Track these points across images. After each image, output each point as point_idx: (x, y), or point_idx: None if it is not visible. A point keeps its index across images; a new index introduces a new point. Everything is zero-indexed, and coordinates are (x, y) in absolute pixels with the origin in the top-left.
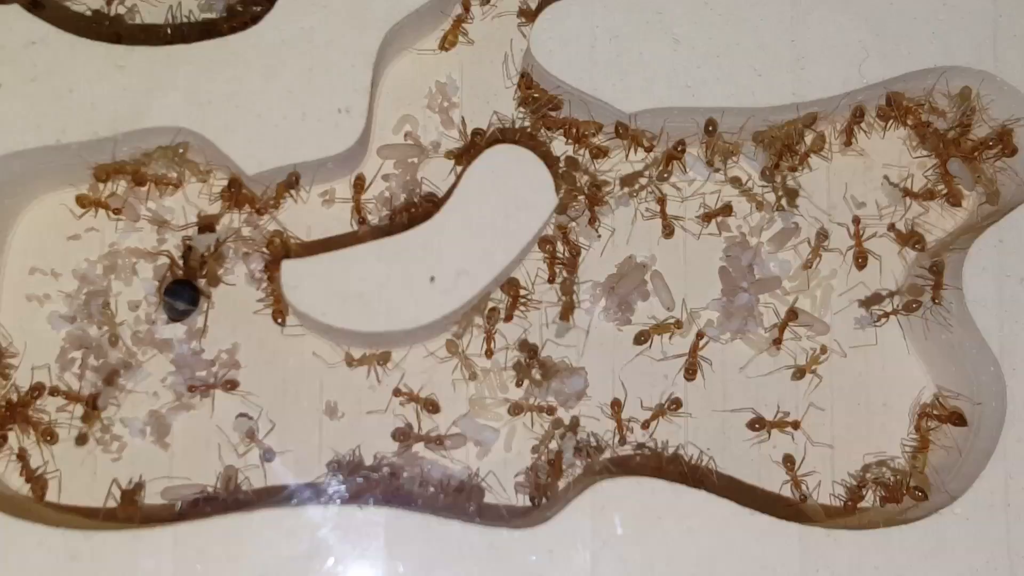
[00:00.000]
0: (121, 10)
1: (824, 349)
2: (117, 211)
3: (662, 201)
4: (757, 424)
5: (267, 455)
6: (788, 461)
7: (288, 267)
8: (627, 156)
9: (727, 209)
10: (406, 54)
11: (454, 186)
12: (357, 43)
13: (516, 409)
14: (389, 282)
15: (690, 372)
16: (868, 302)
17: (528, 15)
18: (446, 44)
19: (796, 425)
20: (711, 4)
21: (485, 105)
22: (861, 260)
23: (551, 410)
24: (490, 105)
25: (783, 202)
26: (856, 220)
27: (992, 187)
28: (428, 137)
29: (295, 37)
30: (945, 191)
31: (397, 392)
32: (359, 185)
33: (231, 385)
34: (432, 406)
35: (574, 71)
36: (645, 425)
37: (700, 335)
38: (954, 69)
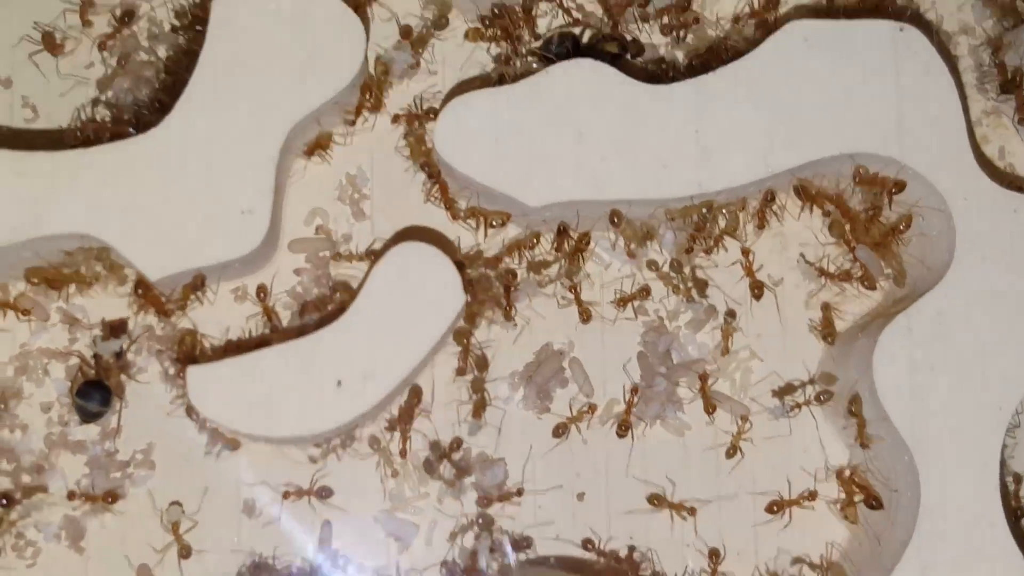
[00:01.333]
0: (28, 114)
1: (745, 417)
2: (26, 312)
3: (574, 288)
4: (776, 506)
5: (184, 552)
6: (713, 555)
7: (193, 373)
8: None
9: (644, 292)
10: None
11: (362, 283)
12: (258, 143)
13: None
14: (296, 387)
15: (623, 428)
16: (781, 392)
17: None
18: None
19: (813, 496)
20: (614, 96)
21: (396, 196)
22: (756, 291)
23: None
24: (401, 196)
25: (693, 293)
26: (745, 252)
27: (899, 268)
28: (340, 230)
29: (196, 139)
30: (860, 274)
31: (286, 495)
32: (261, 295)
33: (325, 492)
34: (325, 491)
35: (479, 166)
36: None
37: (635, 389)
38: (860, 156)
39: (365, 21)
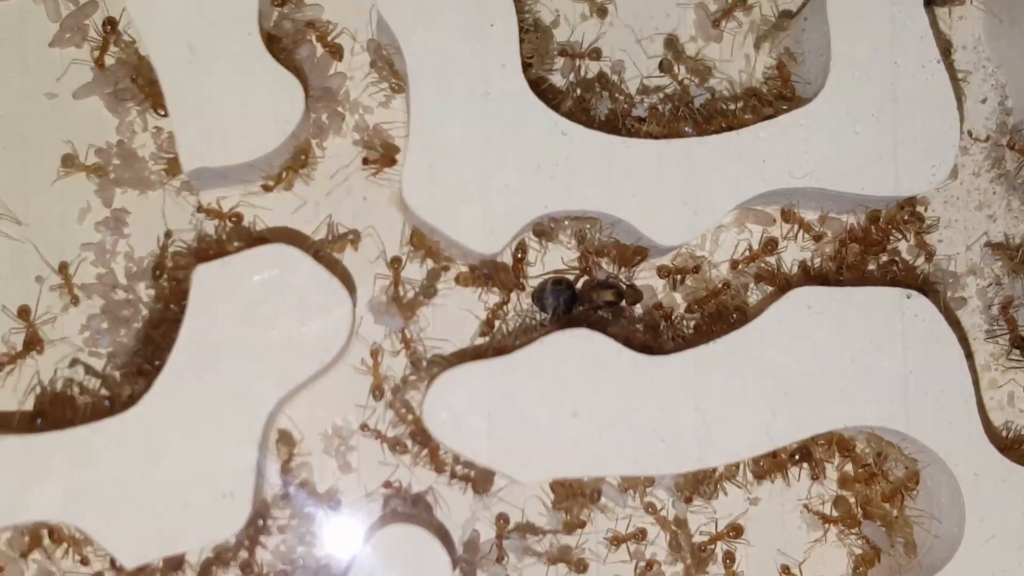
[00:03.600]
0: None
1: None
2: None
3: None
4: None
5: None
6: None
7: None
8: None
9: (640, 535)
10: (302, 395)
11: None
12: (240, 423)
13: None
14: None
15: None
16: None
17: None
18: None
19: None
20: (610, 368)
21: (384, 452)
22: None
23: None
24: (389, 452)
25: (692, 569)
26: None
27: (909, 539)
28: (324, 484)
29: (175, 419)
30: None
31: None
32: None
33: None
34: None
35: (469, 441)
36: None
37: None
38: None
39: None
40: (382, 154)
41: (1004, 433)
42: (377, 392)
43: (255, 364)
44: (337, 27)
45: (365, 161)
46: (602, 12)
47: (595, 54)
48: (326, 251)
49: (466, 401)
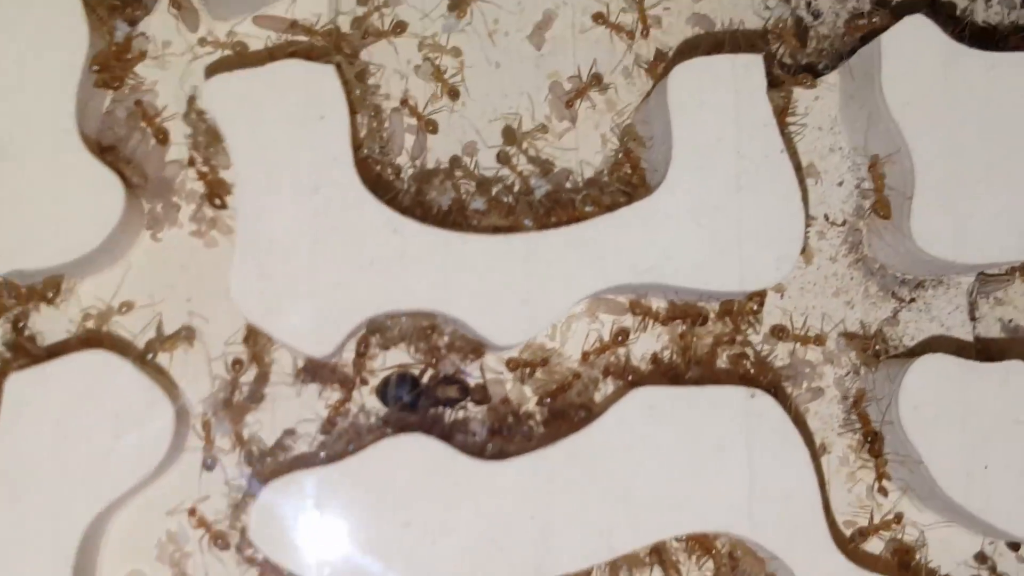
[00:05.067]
0: None
1: None
2: None
3: None
4: None
5: None
6: None
7: None
8: None
9: None
10: (134, 501)
11: None
12: (53, 545)
13: None
14: None
15: None
16: None
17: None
18: None
19: None
20: (445, 476)
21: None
22: None
23: None
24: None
25: None
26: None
27: None
28: None
29: None
30: None
31: None
32: None
33: None
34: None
35: (296, 556)
36: None
37: None
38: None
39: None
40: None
41: (854, 530)
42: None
43: (68, 481)
44: (168, 109)
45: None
46: (453, 94)
47: (431, 126)
48: (156, 351)
49: (293, 511)
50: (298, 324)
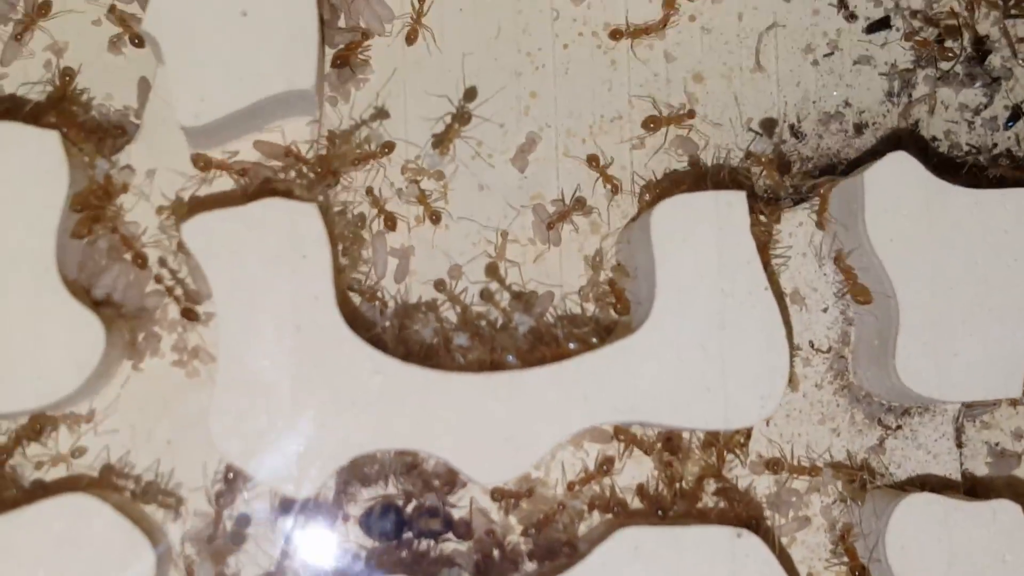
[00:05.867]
0: None
1: None
2: None
3: None
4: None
5: None
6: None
7: None
8: None
9: None
10: None
11: None
12: None
13: None
14: None
15: None
16: None
17: None
18: None
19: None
20: None
21: None
22: None
23: None
24: None
25: None
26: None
27: None
28: None
29: None
30: None
31: None
32: None
33: None
34: None
35: None
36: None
37: None
38: None
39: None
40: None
41: None
42: None
43: None
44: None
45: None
46: (435, 217)
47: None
48: (138, 493)
49: None
50: (279, 466)
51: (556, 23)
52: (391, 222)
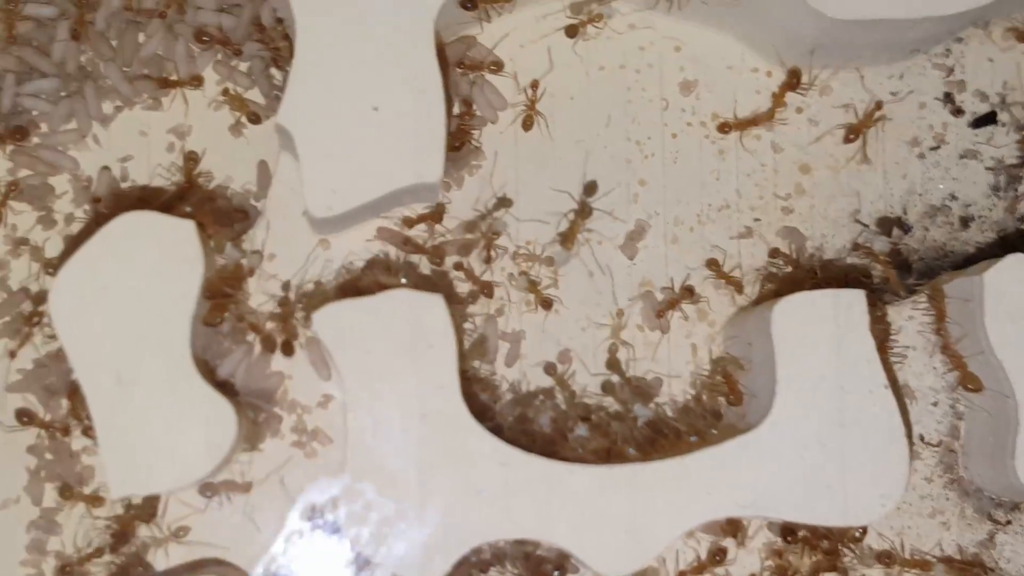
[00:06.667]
0: None
1: None
2: None
3: None
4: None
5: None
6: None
7: None
8: None
9: None
10: None
11: None
12: None
13: None
14: None
15: None
16: None
17: None
18: None
19: None
20: None
21: None
22: None
23: None
24: None
25: None
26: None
27: None
28: None
29: None
30: None
31: None
32: None
33: None
34: None
35: None
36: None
37: None
38: None
39: None
40: None
41: None
42: None
43: None
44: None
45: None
46: (547, 304)
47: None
48: None
49: None
50: (404, 552)
51: (665, 113)
52: (488, 289)
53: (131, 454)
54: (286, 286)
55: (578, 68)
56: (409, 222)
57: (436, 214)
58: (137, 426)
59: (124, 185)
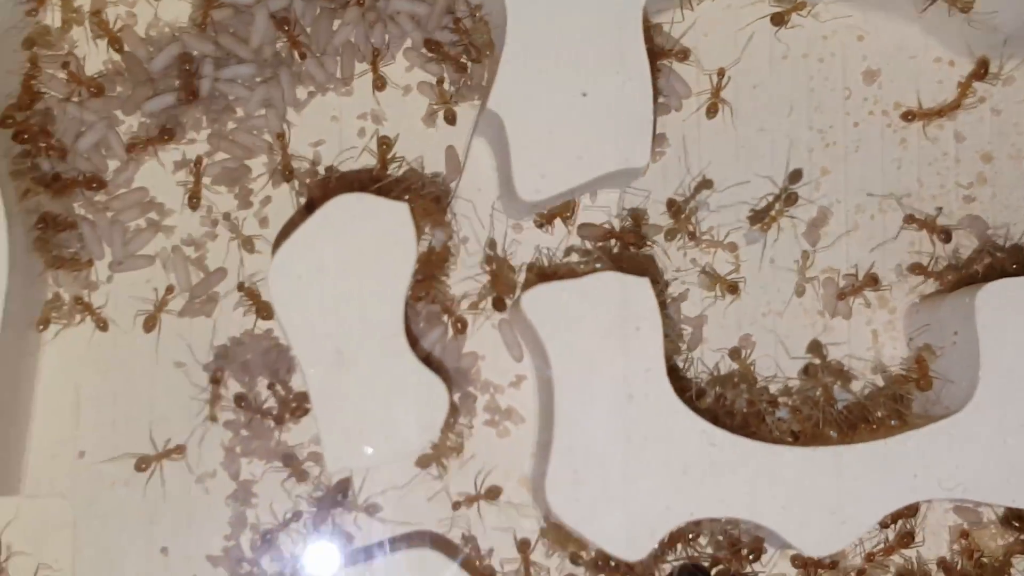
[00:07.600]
0: None
1: None
2: None
3: None
4: None
5: None
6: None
7: None
8: None
9: None
10: None
11: None
12: None
13: None
14: None
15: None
16: None
17: None
18: None
19: None
20: None
21: None
22: None
23: None
24: None
25: None
26: None
27: None
28: None
29: None
30: None
31: None
32: None
33: None
34: None
35: None
36: None
37: None
38: None
39: None
40: None
41: None
42: None
43: None
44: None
45: None
46: (732, 289)
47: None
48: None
49: None
50: (612, 529)
51: (847, 102)
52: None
53: (347, 430)
54: (486, 263)
55: (761, 57)
56: (547, 217)
57: (567, 210)
58: (354, 402)
59: (319, 168)
